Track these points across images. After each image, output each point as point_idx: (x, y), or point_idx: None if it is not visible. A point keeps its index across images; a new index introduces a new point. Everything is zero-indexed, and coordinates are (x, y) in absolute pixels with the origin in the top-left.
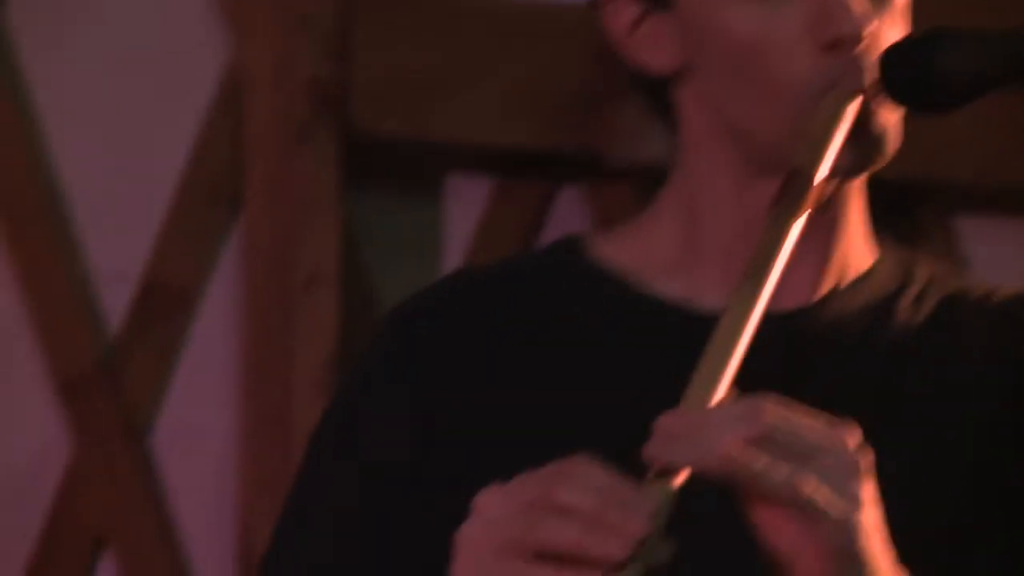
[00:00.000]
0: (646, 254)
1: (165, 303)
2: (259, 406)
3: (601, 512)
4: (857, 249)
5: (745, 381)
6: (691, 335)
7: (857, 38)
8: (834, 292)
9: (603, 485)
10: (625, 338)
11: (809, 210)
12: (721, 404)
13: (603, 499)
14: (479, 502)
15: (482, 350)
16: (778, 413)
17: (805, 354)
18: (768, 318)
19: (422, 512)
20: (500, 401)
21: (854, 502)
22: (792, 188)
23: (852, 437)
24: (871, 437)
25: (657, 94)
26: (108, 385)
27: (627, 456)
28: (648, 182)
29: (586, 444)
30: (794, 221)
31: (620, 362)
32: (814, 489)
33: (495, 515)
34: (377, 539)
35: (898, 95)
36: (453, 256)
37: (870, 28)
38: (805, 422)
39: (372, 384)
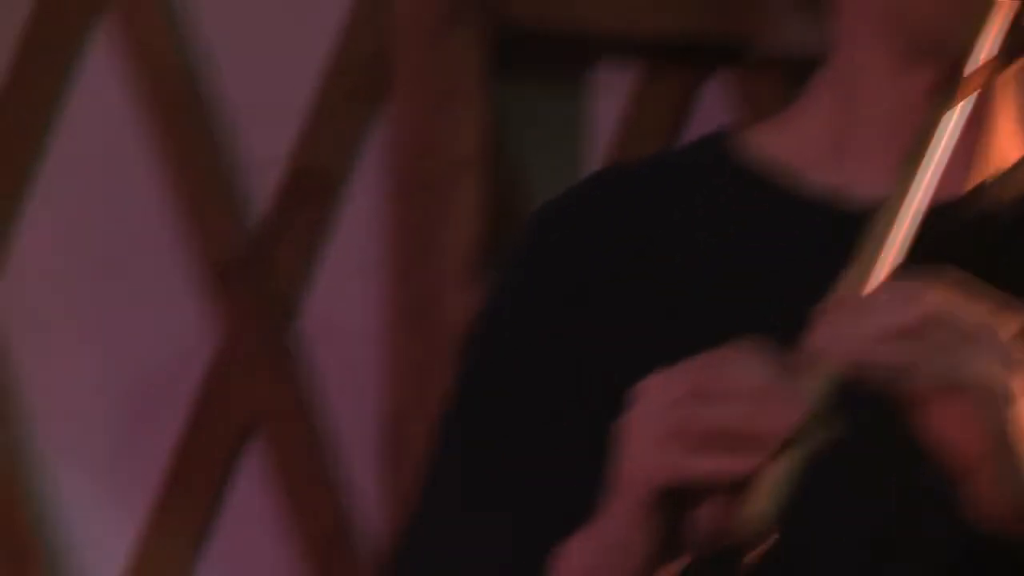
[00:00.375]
0: (797, 147)
1: (312, 190)
2: (405, 294)
3: (764, 394)
4: (1011, 140)
5: (897, 274)
6: (844, 228)
7: None
8: (984, 184)
9: (765, 369)
10: (776, 232)
11: (967, 99)
12: (880, 289)
13: (766, 382)
14: (639, 392)
15: (631, 249)
16: (940, 299)
17: (952, 248)
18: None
19: (576, 413)
20: (650, 298)
21: (1008, 392)
22: (951, 76)
23: (1012, 326)
24: None
25: None
26: (255, 271)
27: (782, 347)
28: (797, 71)
29: (740, 336)
30: (953, 110)
31: (771, 256)
32: (969, 378)
33: (656, 403)
34: (533, 445)
35: None
36: (598, 144)
37: None
38: (967, 308)
39: (519, 288)
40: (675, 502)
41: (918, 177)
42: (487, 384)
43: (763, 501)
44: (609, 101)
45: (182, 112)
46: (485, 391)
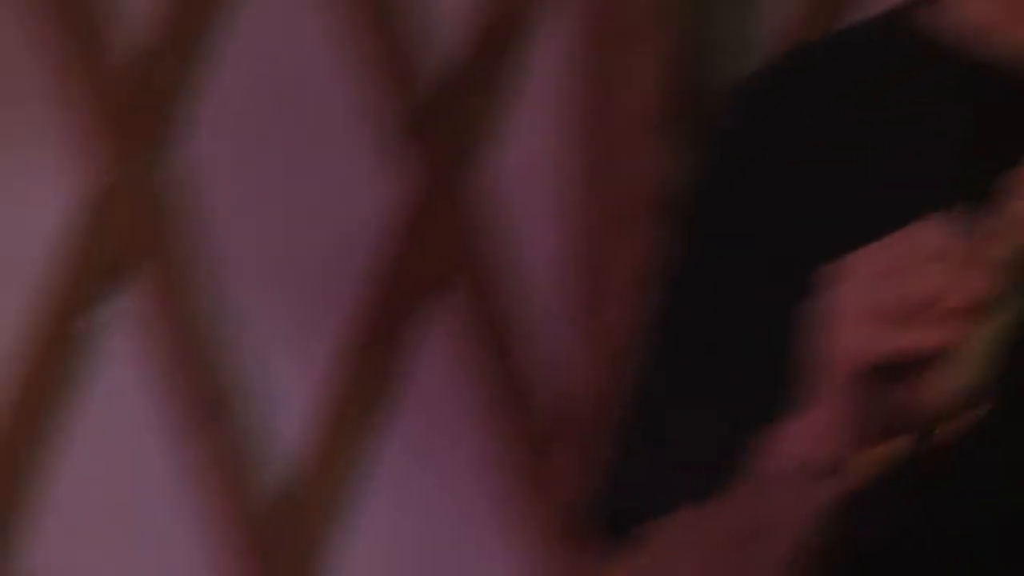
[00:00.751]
0: (992, 12)
1: (497, 44)
2: (587, 149)
3: (965, 264)
4: None
5: None
6: None
7: None
8: None
9: (966, 238)
10: (972, 103)
11: None
12: None
13: (967, 251)
14: (840, 269)
15: (829, 123)
16: None
17: None
18: None
19: (778, 293)
20: (852, 172)
21: None
22: None
23: None
24: None
25: None
26: (440, 124)
27: (981, 215)
28: None
29: (942, 205)
30: None
31: (967, 125)
32: None
33: (857, 280)
34: (739, 325)
35: None
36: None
37: None
38: None
39: (718, 165)
40: (883, 380)
41: None
42: (692, 263)
43: (969, 372)
44: None
45: None
46: (690, 270)
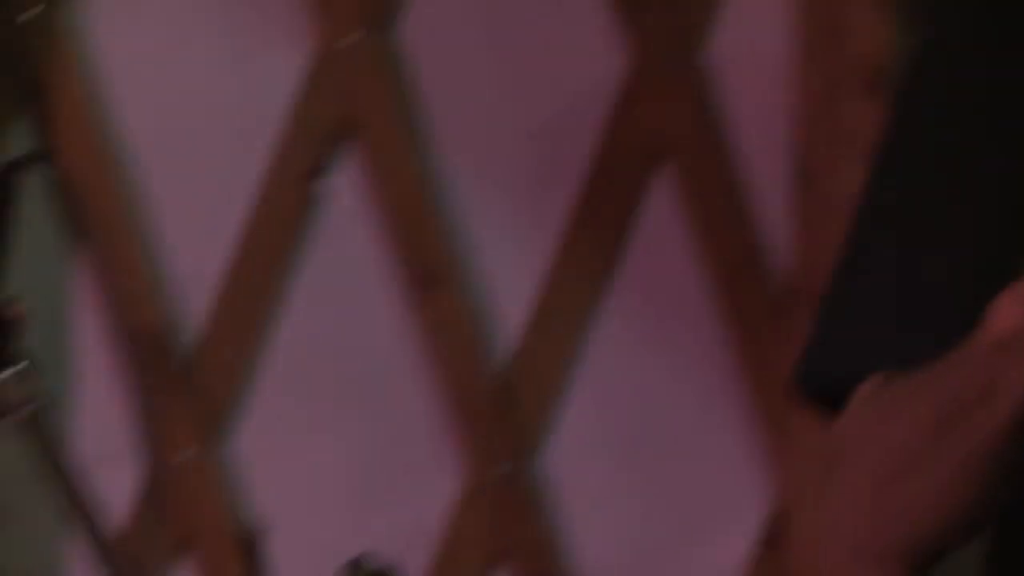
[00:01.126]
0: None
1: None
2: (813, 20)
3: None
4: None
5: None
6: None
7: None
8: None
9: None
10: None
11: None
12: None
13: None
14: None
15: None
16: None
17: None
18: None
19: (1008, 158)
20: None
21: None
22: None
23: None
24: None
25: None
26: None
27: None
28: None
29: None
30: None
31: None
32: None
33: None
34: (968, 188)
35: None
36: None
37: None
38: None
39: (941, 37)
40: None
41: None
42: (913, 134)
43: None
44: None
45: None
46: (911, 141)
